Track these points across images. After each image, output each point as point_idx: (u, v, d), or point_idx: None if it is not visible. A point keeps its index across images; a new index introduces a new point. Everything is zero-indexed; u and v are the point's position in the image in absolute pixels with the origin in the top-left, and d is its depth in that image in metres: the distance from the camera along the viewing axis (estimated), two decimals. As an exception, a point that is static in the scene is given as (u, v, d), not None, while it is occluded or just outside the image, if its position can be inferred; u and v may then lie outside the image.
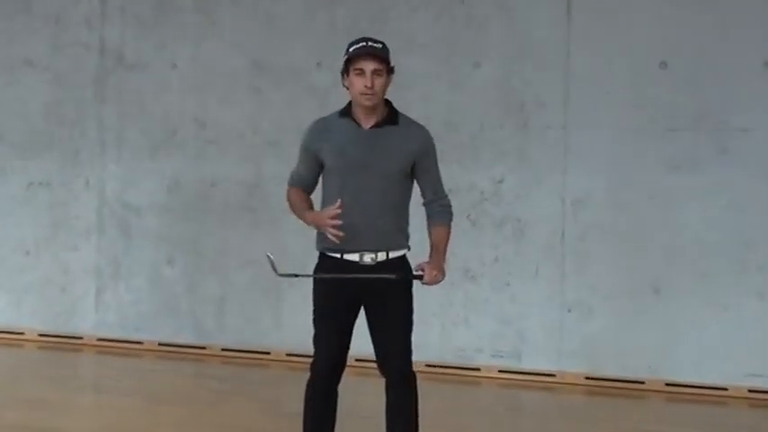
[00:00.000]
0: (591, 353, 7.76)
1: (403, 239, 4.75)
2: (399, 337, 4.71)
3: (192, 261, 8.75)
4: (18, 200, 9.22)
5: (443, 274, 4.69)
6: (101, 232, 8.99)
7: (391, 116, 4.71)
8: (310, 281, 4.78)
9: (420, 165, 4.72)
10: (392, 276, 4.62)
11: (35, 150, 9.16)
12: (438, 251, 4.73)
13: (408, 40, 8.04)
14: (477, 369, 8.01)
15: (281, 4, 8.54)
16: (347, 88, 4.67)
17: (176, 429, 6.36)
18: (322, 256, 4.77)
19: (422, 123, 4.80)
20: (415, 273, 4.70)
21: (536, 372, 7.87)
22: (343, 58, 4.66)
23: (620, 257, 7.67)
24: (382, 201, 4.64)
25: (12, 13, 9.24)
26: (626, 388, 7.64)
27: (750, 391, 7.41)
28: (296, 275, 4.72)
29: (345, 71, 4.64)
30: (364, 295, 4.68)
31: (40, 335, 9.11)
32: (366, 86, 4.56)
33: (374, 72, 4.58)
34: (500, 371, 7.96)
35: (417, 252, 4.83)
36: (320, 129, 4.76)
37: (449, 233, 4.80)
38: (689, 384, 7.52)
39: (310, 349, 4.80)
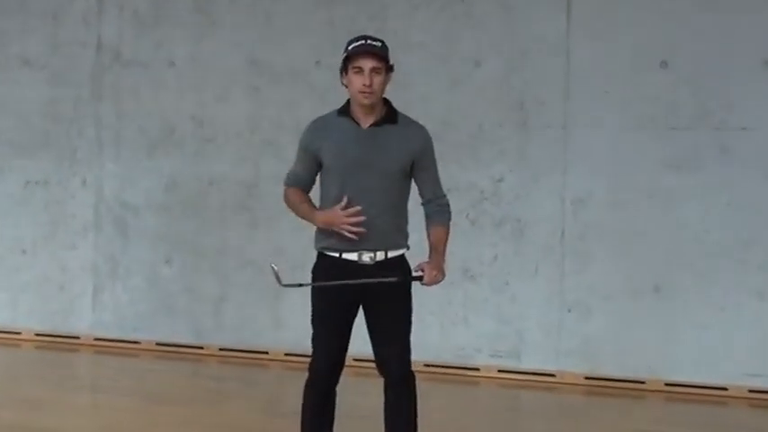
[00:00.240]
0: (590, 353, 7.74)
1: (402, 239, 4.74)
2: (398, 336, 4.70)
3: (190, 260, 8.73)
4: (15, 198, 9.20)
5: (443, 275, 4.68)
6: (98, 231, 8.97)
7: (390, 115, 4.69)
8: (312, 279, 4.76)
9: (419, 164, 4.71)
10: (393, 279, 4.60)
11: (32, 149, 9.14)
12: (437, 251, 4.71)
13: (407, 38, 8.01)
14: (477, 369, 7.99)
15: (279, 3, 8.51)
16: (346, 86, 4.65)
17: (174, 429, 6.34)
18: (320, 256, 4.76)
19: (421, 122, 4.78)
20: (414, 274, 4.68)
21: (535, 371, 7.85)
22: (341, 56, 4.63)
23: (620, 257, 7.65)
24: (381, 200, 4.62)
25: (8, 10, 9.21)
26: (625, 388, 7.62)
27: (750, 391, 7.39)
28: (300, 285, 4.70)
29: (344, 69, 4.63)
30: (363, 296, 4.66)
31: (37, 334, 9.09)
32: (365, 85, 4.55)
33: (373, 70, 4.56)
34: (499, 370, 7.94)
35: (416, 251, 4.80)
36: (319, 128, 4.74)
37: (448, 233, 4.78)
38: (689, 384, 7.51)
39: (308, 349, 4.78)
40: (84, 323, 9.00)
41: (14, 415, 6.54)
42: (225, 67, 8.63)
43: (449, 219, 4.81)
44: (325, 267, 4.72)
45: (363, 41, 4.60)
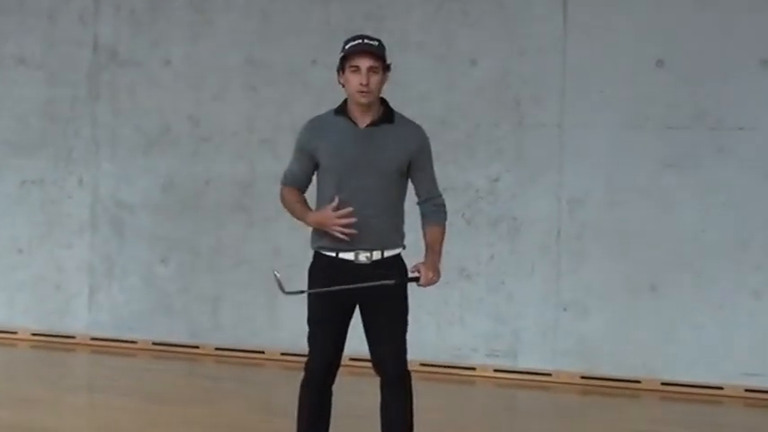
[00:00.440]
0: (586, 352, 7.74)
1: (398, 238, 4.73)
2: (394, 336, 4.70)
3: (186, 260, 8.72)
4: (11, 198, 9.19)
5: (439, 275, 4.68)
6: (94, 230, 8.96)
7: (387, 115, 4.69)
8: (309, 278, 4.76)
9: (415, 164, 4.70)
10: (390, 282, 4.60)
11: (28, 148, 9.13)
12: (433, 251, 4.71)
13: (404, 37, 8.01)
14: (473, 368, 7.98)
15: (275, 2, 8.51)
16: (343, 86, 4.65)
17: (171, 429, 6.33)
18: (317, 255, 4.75)
19: (418, 122, 4.78)
20: (411, 275, 4.67)
21: (531, 371, 7.85)
22: (339, 56, 4.63)
23: (616, 256, 7.65)
24: (378, 200, 4.62)
25: (4, 10, 9.20)
26: (621, 387, 7.62)
27: (746, 390, 7.40)
28: (302, 292, 4.70)
29: (341, 68, 4.62)
30: (359, 296, 4.65)
31: (33, 334, 9.08)
32: (362, 84, 4.54)
33: (370, 69, 4.55)
34: (495, 370, 7.94)
35: (412, 251, 4.80)
36: (316, 127, 4.73)
37: (443, 233, 4.78)
38: (685, 383, 7.51)
39: (305, 349, 4.77)
40: (80, 323, 9.00)
41: (11, 415, 6.52)
42: (221, 66, 8.63)
43: (445, 218, 4.81)
44: (321, 267, 4.72)
45: (360, 41, 4.59)
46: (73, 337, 8.97)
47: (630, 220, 7.62)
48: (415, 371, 4.88)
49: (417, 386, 4.79)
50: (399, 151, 4.64)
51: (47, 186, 9.10)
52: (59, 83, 9.06)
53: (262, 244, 8.42)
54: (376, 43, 4.60)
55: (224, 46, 8.63)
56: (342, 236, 4.57)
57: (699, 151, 7.49)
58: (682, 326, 7.52)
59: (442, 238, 4.77)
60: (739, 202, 7.40)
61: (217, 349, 8.61)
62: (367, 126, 4.64)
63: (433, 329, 7.97)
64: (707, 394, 7.44)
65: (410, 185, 4.78)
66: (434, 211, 4.77)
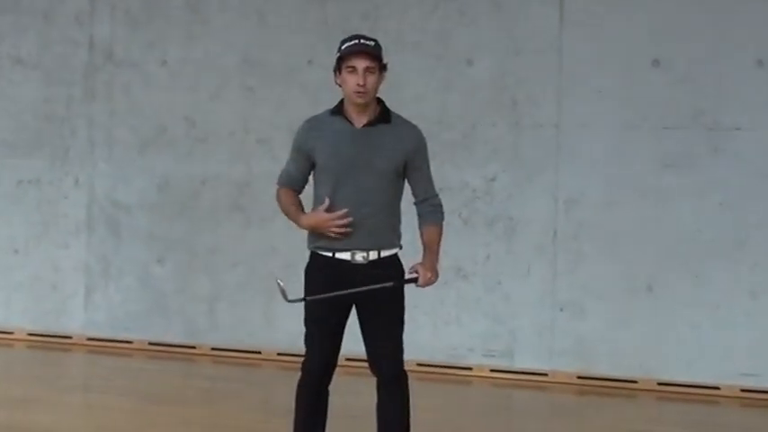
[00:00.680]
0: (583, 352, 7.74)
1: (395, 238, 4.73)
2: (391, 336, 4.70)
3: (183, 260, 8.72)
4: (7, 198, 9.18)
5: (437, 275, 4.69)
6: (90, 231, 8.95)
7: (384, 115, 4.69)
8: (305, 279, 4.76)
9: (412, 164, 4.70)
10: (389, 285, 4.60)
11: (24, 148, 9.13)
12: (431, 252, 4.71)
13: (400, 37, 8.01)
14: (469, 368, 7.98)
15: (272, 2, 8.51)
16: (340, 86, 4.65)
17: (168, 429, 6.33)
18: (313, 255, 4.75)
19: (414, 122, 4.78)
20: (408, 275, 4.67)
21: (528, 371, 7.85)
22: (335, 56, 4.63)
23: (613, 256, 7.65)
24: (374, 199, 4.62)
25: (0, 9, 9.19)
26: (618, 387, 7.62)
27: (742, 390, 7.40)
28: (305, 299, 4.69)
29: (338, 69, 4.63)
30: (356, 296, 4.65)
31: (30, 334, 9.07)
32: (358, 84, 4.54)
33: (366, 69, 4.55)
34: (492, 370, 7.94)
35: (409, 251, 4.80)
36: (312, 128, 4.73)
37: (440, 233, 4.78)
38: (681, 384, 7.51)
39: (301, 349, 4.77)
40: (76, 323, 8.99)
41: (7, 415, 6.52)
42: (217, 66, 8.62)
43: (442, 219, 4.80)
44: (318, 267, 4.72)
45: (357, 41, 4.59)
46: (69, 338, 8.97)
47: (627, 220, 7.62)
48: (412, 371, 4.88)
49: (414, 386, 4.79)
50: (396, 151, 4.64)
51: (43, 186, 9.09)
52: (55, 83, 9.05)
53: (258, 244, 8.42)
54: (372, 43, 4.60)
55: (220, 46, 8.62)
56: (337, 236, 4.57)
57: (695, 151, 7.49)
58: (678, 326, 7.52)
59: (440, 239, 4.77)
60: (736, 201, 7.40)
61: (213, 349, 8.61)
62: (363, 126, 4.64)
63: (429, 329, 7.97)
64: (704, 394, 7.44)
65: (406, 185, 4.78)
66: (431, 212, 4.77)
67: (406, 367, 4.74)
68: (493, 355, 7.94)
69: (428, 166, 4.77)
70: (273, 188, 4.88)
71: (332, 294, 4.60)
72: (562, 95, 7.77)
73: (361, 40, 4.60)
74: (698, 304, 7.48)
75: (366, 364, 4.75)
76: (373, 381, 4.74)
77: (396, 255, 4.73)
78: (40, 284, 9.09)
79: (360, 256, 4.63)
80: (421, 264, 4.68)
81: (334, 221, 4.57)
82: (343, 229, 4.57)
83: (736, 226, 7.40)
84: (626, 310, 7.63)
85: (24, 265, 9.14)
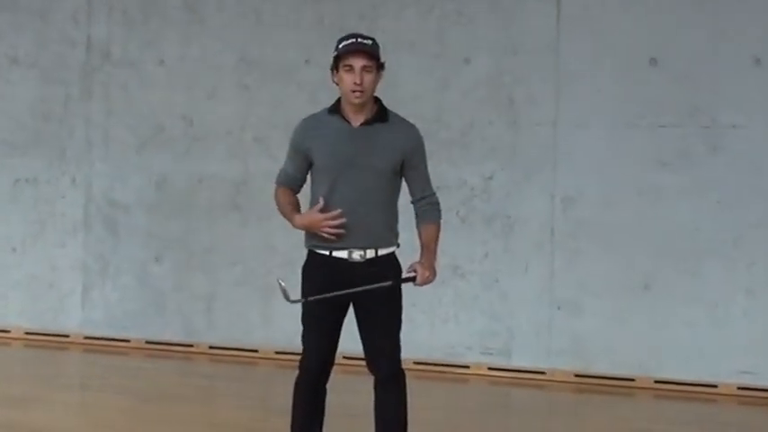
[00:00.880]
0: (580, 350, 7.75)
1: (392, 237, 4.73)
2: (388, 334, 4.70)
3: (180, 258, 8.72)
4: (4, 197, 9.17)
5: (435, 274, 4.68)
6: (88, 229, 8.95)
7: (381, 113, 4.68)
8: (303, 277, 4.76)
9: (409, 163, 4.70)
10: (387, 284, 4.60)
11: (21, 147, 9.12)
12: (429, 250, 4.71)
13: (397, 36, 8.01)
14: (467, 366, 7.99)
15: (268, 1, 8.50)
16: (337, 84, 4.64)
17: (165, 427, 6.32)
18: (310, 254, 4.75)
19: (411, 121, 4.78)
20: (407, 274, 4.67)
21: (525, 369, 7.86)
22: (332, 55, 4.63)
23: (610, 254, 7.66)
24: (371, 198, 4.62)
25: (-3, 8, 9.21)
26: (615, 385, 7.63)
27: (739, 388, 7.41)
28: (306, 299, 4.69)
29: (335, 68, 4.62)
30: (353, 294, 4.65)
31: (27, 333, 9.07)
32: (355, 83, 4.54)
33: (363, 68, 4.55)
34: (489, 368, 7.94)
35: (406, 249, 4.80)
36: (309, 127, 4.73)
37: (438, 231, 4.78)
38: (678, 381, 7.52)
39: (299, 347, 4.77)
40: (73, 321, 8.98)
41: (4, 413, 6.51)
42: (214, 65, 8.62)
43: (439, 217, 4.80)
44: (315, 265, 4.71)
45: (354, 40, 4.59)
46: (66, 336, 8.96)
47: (624, 219, 7.63)
48: (409, 369, 4.87)
49: (411, 384, 4.79)
50: (393, 150, 4.64)
51: (40, 185, 9.09)
52: (53, 82, 9.05)
53: (256, 242, 8.42)
54: (370, 42, 4.60)
55: (217, 45, 8.62)
56: (330, 236, 4.57)
57: (693, 149, 7.50)
58: (675, 324, 7.53)
59: (437, 237, 4.77)
60: (733, 199, 7.41)
61: (211, 348, 8.61)
62: (361, 125, 4.64)
63: (426, 328, 7.97)
64: (701, 392, 7.45)
65: (404, 184, 4.78)
66: (429, 210, 4.77)
67: (403, 366, 4.74)
68: (490, 354, 7.95)
69: (425, 165, 4.77)
70: (271, 187, 4.88)
71: (333, 294, 4.60)
72: (559, 94, 7.78)
73: (359, 39, 4.60)
74: (695, 302, 7.49)
75: (364, 363, 4.75)
76: (371, 379, 4.73)
77: (393, 253, 4.73)
78: (37, 283, 9.09)
79: (357, 255, 4.63)
80: (419, 262, 4.67)
81: (327, 222, 4.57)
82: (336, 230, 4.57)
83: (733, 224, 7.41)
84: (623, 308, 7.63)
85: (21, 264, 9.14)
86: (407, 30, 8.10)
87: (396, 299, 4.72)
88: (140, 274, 8.81)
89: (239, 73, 8.56)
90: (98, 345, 8.84)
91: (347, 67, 4.56)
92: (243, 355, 8.47)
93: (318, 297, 4.63)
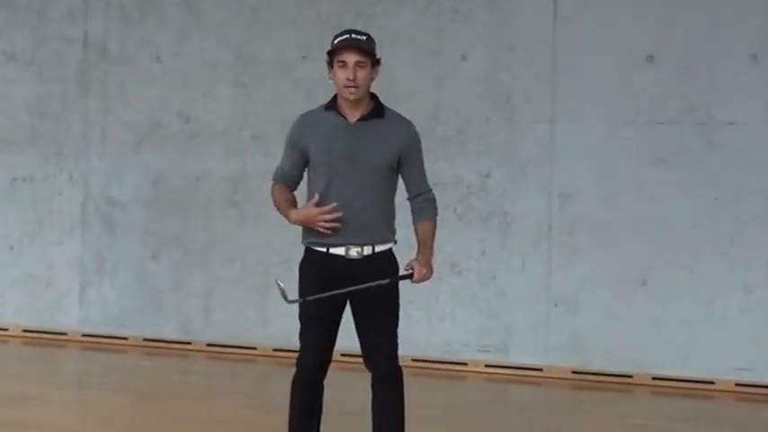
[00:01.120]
0: (578, 347, 7.75)
1: (389, 233, 4.73)
2: (385, 331, 4.70)
3: (178, 256, 8.71)
4: (1, 195, 9.17)
5: (431, 271, 4.69)
6: (85, 227, 8.95)
7: (377, 110, 4.68)
8: (300, 274, 4.76)
9: (405, 159, 4.70)
10: (384, 282, 4.60)
11: (18, 145, 9.12)
12: (425, 247, 4.71)
13: (394, 33, 8.00)
14: (464, 363, 7.99)
15: (266, -2, 8.51)
16: (333, 81, 4.64)
17: (163, 425, 6.33)
18: (308, 251, 4.75)
19: (408, 117, 4.77)
20: (404, 272, 4.67)
21: (523, 366, 7.86)
22: (327, 51, 4.63)
23: (607, 252, 7.66)
24: (368, 195, 4.62)
25: (-6, 6, 9.20)
26: (613, 382, 7.63)
27: (737, 384, 7.41)
28: (304, 299, 4.69)
29: (330, 63, 4.62)
30: (351, 292, 4.65)
31: (24, 331, 9.07)
32: (348, 79, 4.54)
33: (357, 64, 4.55)
34: (487, 365, 7.94)
35: (403, 246, 4.80)
36: (306, 123, 4.73)
37: (435, 228, 4.78)
38: (676, 378, 7.52)
39: (296, 344, 4.78)
40: (71, 319, 8.98)
41: (2, 411, 6.51)
42: (211, 62, 8.62)
43: (436, 214, 4.81)
44: (312, 262, 4.72)
45: (348, 35, 4.59)
46: (64, 334, 8.96)
47: (621, 215, 7.62)
48: (407, 366, 4.88)
49: (408, 382, 4.79)
50: (389, 146, 4.64)
51: (37, 183, 9.08)
52: (49, 79, 9.04)
53: (253, 240, 8.42)
54: (364, 38, 4.60)
55: (214, 42, 8.61)
56: (326, 231, 4.57)
57: (689, 146, 7.49)
58: (673, 321, 7.53)
59: (434, 234, 4.77)
60: (730, 196, 7.40)
61: (209, 345, 8.61)
62: (357, 121, 4.64)
63: (424, 325, 7.97)
64: (698, 389, 7.45)
65: (400, 181, 4.78)
66: (425, 207, 4.77)
67: (400, 363, 4.74)
68: (488, 351, 7.95)
69: (422, 162, 4.77)
70: (268, 184, 4.88)
71: (331, 293, 4.60)
72: (556, 91, 7.77)
73: (353, 35, 4.60)
74: (692, 299, 7.49)
75: (361, 360, 4.76)
76: (368, 376, 4.74)
77: (390, 250, 4.73)
78: (34, 281, 9.09)
79: (354, 252, 4.64)
80: (416, 259, 4.68)
81: (323, 215, 4.57)
82: (331, 224, 4.57)
83: (730, 220, 7.41)
84: (621, 305, 7.63)
85: (19, 262, 9.13)
86: (404, 26, 8.10)
87: (393, 296, 4.72)
88: (138, 272, 8.81)
89: (236, 70, 8.55)
90: (96, 342, 8.84)
91: (341, 63, 4.56)
92: (241, 353, 8.47)
93: (316, 297, 4.63)
